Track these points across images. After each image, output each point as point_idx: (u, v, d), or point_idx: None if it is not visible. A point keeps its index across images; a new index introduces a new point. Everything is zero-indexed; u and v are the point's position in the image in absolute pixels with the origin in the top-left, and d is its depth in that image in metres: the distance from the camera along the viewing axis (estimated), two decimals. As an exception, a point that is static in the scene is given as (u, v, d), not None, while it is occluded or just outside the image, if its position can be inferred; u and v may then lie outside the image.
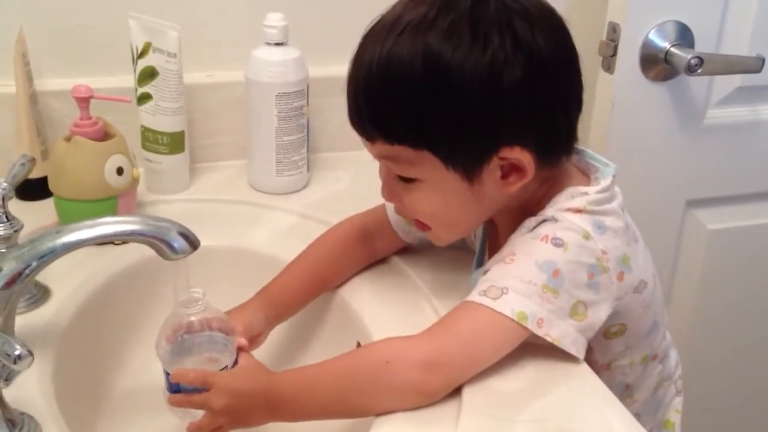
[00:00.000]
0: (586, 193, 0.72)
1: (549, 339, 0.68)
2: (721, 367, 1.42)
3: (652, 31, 1.13)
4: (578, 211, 0.71)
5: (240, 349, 0.76)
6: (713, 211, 1.30)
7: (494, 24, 0.66)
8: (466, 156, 0.70)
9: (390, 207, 0.88)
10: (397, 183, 0.75)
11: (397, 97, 0.68)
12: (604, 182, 0.74)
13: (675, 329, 1.09)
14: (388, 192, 0.77)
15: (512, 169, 0.71)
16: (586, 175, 0.77)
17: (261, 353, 0.82)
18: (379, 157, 0.74)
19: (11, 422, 0.65)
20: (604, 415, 0.68)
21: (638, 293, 0.75)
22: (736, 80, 1.21)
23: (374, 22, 0.71)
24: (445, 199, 0.73)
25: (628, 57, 1.13)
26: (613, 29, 1.13)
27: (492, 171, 0.71)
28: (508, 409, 0.67)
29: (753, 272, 1.36)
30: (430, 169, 0.71)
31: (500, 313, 0.67)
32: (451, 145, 0.69)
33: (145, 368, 0.89)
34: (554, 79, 0.70)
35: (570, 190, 0.73)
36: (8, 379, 0.69)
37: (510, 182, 0.71)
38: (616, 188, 0.75)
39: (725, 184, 1.28)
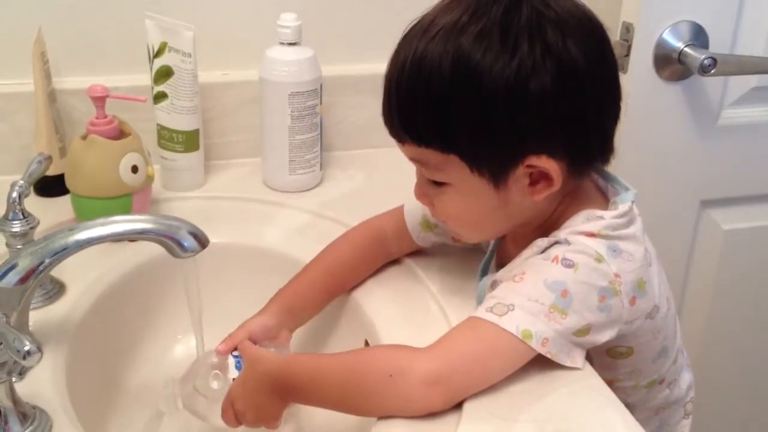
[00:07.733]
0: (601, 218, 0.71)
1: (549, 356, 0.68)
2: (735, 369, 1.41)
3: (666, 31, 1.12)
4: (592, 234, 0.70)
5: None
6: (728, 211, 1.29)
7: (525, 31, 0.66)
8: (492, 161, 0.69)
9: (408, 211, 0.89)
10: (428, 185, 0.75)
11: (425, 98, 0.68)
12: (623, 207, 0.73)
13: (688, 331, 1.08)
14: (419, 192, 0.77)
15: (541, 177, 0.71)
16: (606, 198, 0.77)
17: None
18: (410, 159, 0.74)
19: (23, 416, 0.66)
20: (607, 417, 0.68)
21: (650, 319, 0.74)
22: (752, 80, 1.20)
23: (411, 24, 0.71)
24: (472, 203, 0.73)
25: (642, 57, 1.12)
26: (627, 29, 1.12)
27: (519, 178, 0.70)
28: (509, 409, 0.67)
29: (768, 273, 1.35)
30: (457, 173, 0.71)
31: (505, 330, 0.66)
32: (477, 150, 0.69)
33: (157, 364, 0.91)
34: (587, 89, 0.69)
35: (586, 213, 0.72)
36: (21, 374, 0.71)
37: (537, 190, 0.71)
38: (636, 212, 0.74)
39: (740, 184, 1.27)
